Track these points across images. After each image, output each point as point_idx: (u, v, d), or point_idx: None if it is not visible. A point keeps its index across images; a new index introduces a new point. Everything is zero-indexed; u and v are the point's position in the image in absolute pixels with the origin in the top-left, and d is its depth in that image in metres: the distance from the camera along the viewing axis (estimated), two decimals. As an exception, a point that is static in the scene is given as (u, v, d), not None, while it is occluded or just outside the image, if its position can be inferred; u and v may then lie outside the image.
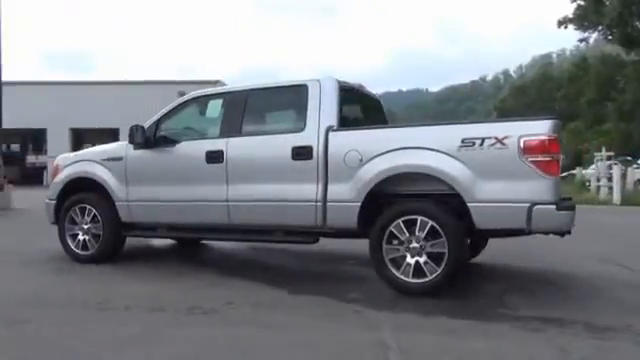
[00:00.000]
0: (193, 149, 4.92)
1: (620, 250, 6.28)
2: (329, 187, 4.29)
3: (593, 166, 18.72)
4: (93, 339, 3.15)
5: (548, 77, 53.82)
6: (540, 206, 3.70)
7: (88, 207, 5.38)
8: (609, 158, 17.08)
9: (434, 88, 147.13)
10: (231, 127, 4.79)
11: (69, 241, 5.47)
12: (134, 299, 3.99)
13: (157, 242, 6.72)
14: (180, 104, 5.21)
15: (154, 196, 5.04)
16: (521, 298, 4.02)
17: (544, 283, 4.60)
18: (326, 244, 5.09)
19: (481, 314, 3.56)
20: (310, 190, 4.33)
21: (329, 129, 4.34)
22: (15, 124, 26.02)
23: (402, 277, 4.00)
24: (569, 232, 4.05)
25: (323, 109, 4.41)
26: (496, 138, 3.81)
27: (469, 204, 3.85)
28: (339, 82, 4.62)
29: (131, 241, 5.82)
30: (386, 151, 4.11)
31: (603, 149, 17.54)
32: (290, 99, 4.78)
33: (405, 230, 4.00)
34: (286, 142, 4.45)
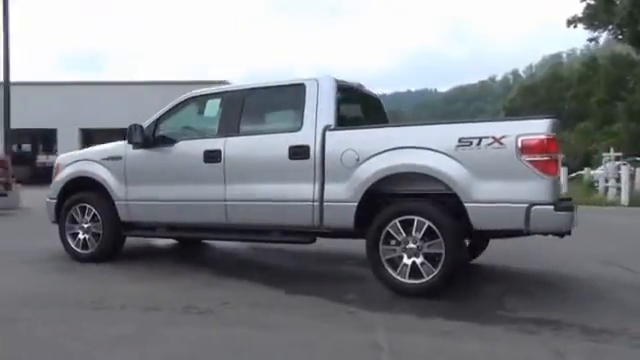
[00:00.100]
0: (191, 148, 4.92)
1: (625, 251, 6.19)
2: (326, 187, 4.27)
3: (602, 167, 18.54)
4: (87, 338, 3.15)
5: (558, 77, 53.40)
6: (538, 206, 3.65)
7: (88, 206, 5.40)
8: (617, 159, 16.91)
9: (443, 88, 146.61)
10: (229, 126, 4.79)
11: (69, 240, 5.50)
12: (130, 298, 3.99)
13: (157, 241, 6.74)
14: (179, 103, 5.22)
15: (152, 195, 5.05)
16: (519, 300, 3.97)
17: (544, 285, 4.55)
18: (324, 244, 5.08)
19: (478, 316, 3.52)
20: (307, 190, 4.31)
21: (326, 128, 4.32)
22: (26, 124, 26.38)
23: (399, 278, 3.97)
24: (569, 233, 4.00)
25: (320, 108, 4.39)
26: (494, 137, 3.76)
27: (466, 204, 3.81)
28: (337, 81, 4.60)
29: (131, 240, 5.84)
30: (383, 150, 4.08)
31: (611, 149, 17.37)
32: (288, 98, 4.76)
33: (402, 230, 3.96)
34: (283, 142, 4.43)
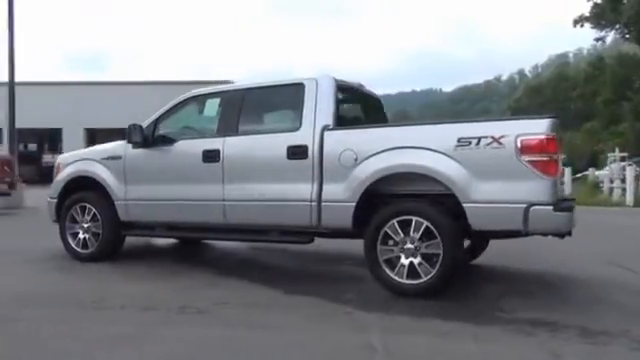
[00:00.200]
0: (190, 148, 4.91)
1: (628, 252, 6.15)
2: (324, 187, 4.26)
3: (607, 167, 18.42)
4: (84, 337, 3.14)
5: (564, 77, 53.07)
6: (537, 207, 3.62)
7: (88, 206, 5.41)
8: (623, 159, 16.80)
9: (448, 88, 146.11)
10: (228, 126, 4.78)
11: (70, 239, 5.51)
12: (129, 298, 3.99)
13: (157, 241, 6.75)
14: (178, 103, 5.22)
15: (151, 195, 5.06)
16: (518, 300, 3.94)
17: (544, 285, 4.52)
18: (324, 244, 5.06)
19: (475, 316, 3.49)
20: (305, 190, 4.30)
21: (324, 128, 4.31)
22: (32, 124, 26.56)
23: (396, 278, 3.95)
24: (569, 234, 3.97)
25: (319, 108, 4.37)
26: (493, 137, 3.73)
27: (464, 204, 3.78)
28: (336, 81, 4.58)
29: (131, 240, 5.85)
30: (381, 150, 4.06)
31: (616, 150, 17.26)
32: (287, 98, 4.75)
33: (400, 231, 3.94)
34: (281, 141, 4.42)
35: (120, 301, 3.90)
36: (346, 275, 4.93)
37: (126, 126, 5.12)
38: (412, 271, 3.90)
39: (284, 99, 4.83)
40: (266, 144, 4.57)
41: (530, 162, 3.63)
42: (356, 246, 4.47)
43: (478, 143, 3.76)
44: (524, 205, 3.63)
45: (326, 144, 4.27)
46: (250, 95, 4.87)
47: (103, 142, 5.79)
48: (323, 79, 4.51)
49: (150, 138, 5.08)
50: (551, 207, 3.61)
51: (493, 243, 5.00)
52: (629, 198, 14.09)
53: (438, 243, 3.82)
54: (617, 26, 30.56)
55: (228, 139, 4.70)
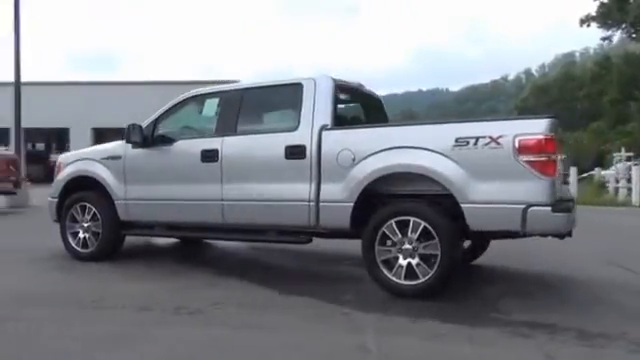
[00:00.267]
0: (189, 148, 4.91)
1: (631, 252, 6.10)
2: (322, 187, 4.24)
3: (613, 167, 18.30)
4: (84, 337, 3.14)
5: (570, 76, 52.75)
6: (535, 208, 3.58)
7: (88, 205, 5.42)
8: (629, 159, 16.68)
9: (454, 88, 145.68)
10: (226, 126, 4.78)
11: (70, 239, 5.53)
12: (127, 298, 3.99)
13: (158, 241, 6.76)
14: (178, 103, 5.22)
15: (151, 195, 5.06)
16: (517, 302, 3.91)
17: (544, 286, 4.48)
18: (325, 244, 5.05)
19: (473, 318, 3.46)
20: (303, 190, 4.28)
21: (322, 128, 4.29)
22: (40, 124, 26.74)
23: (394, 279, 3.93)
24: (569, 234, 3.94)
25: (317, 108, 4.36)
26: (490, 137, 3.70)
27: (462, 205, 3.76)
28: (335, 81, 4.57)
29: (131, 239, 5.86)
30: (379, 150, 4.04)
31: (622, 149, 17.14)
32: (285, 98, 4.73)
33: (398, 231, 3.92)
34: (280, 141, 4.40)
35: (119, 301, 3.91)
36: (345, 275, 4.91)
37: (131, 126, 5.12)
38: (410, 272, 3.88)
39: (283, 99, 4.81)
40: (264, 144, 4.55)
41: (528, 162, 3.60)
42: (356, 246, 4.44)
43: (476, 143, 3.74)
44: (522, 206, 3.60)
45: (324, 144, 4.25)
46: (249, 95, 4.86)
47: (109, 141, 5.80)
48: (321, 79, 4.49)
49: (149, 138, 5.08)
50: (549, 208, 3.58)
51: (494, 243, 4.97)
52: (635, 198, 13.99)
53: (436, 244, 3.79)
54: (623, 25, 30.33)
55: (226, 139, 4.70)
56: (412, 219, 3.88)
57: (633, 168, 14.85)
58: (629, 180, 15.10)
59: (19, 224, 9.90)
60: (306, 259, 5.70)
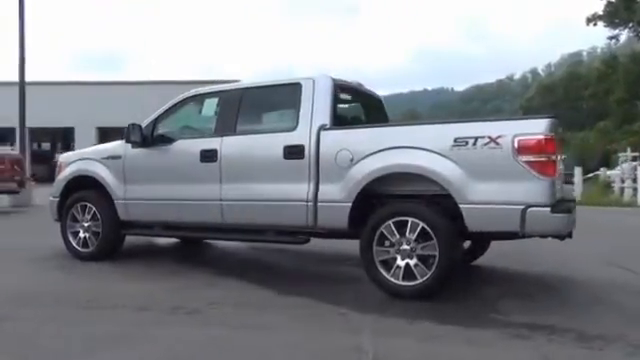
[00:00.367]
0: (188, 148, 4.91)
1: (634, 253, 6.04)
2: (320, 187, 4.22)
3: (619, 167, 18.18)
4: (82, 337, 3.14)
5: (576, 76, 52.45)
6: (534, 208, 3.55)
7: (88, 205, 5.44)
8: (635, 159, 16.56)
9: (460, 87, 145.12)
10: (225, 126, 4.77)
11: (71, 238, 5.54)
12: (126, 297, 4.00)
13: (158, 241, 6.77)
14: (177, 102, 5.22)
15: (150, 194, 5.06)
16: (517, 303, 3.88)
17: (544, 287, 4.45)
18: (327, 245, 5.02)
19: (471, 319, 3.43)
20: (301, 190, 4.27)
21: (321, 128, 4.27)
22: (46, 123, 26.86)
23: (392, 279, 3.91)
24: (569, 235, 3.91)
25: (316, 108, 4.34)
26: (489, 137, 3.67)
27: (461, 205, 3.73)
28: (334, 80, 4.55)
29: (132, 239, 5.87)
30: (377, 150, 4.01)
31: (628, 149, 17.02)
32: (284, 98, 4.72)
33: (396, 231, 3.90)
34: (278, 141, 4.39)
35: (118, 300, 3.92)
36: (344, 276, 4.89)
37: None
38: (408, 272, 3.85)
39: (282, 99, 4.80)
40: (263, 144, 4.54)
41: (527, 163, 3.57)
42: (356, 247, 4.41)
43: (475, 143, 3.71)
44: (521, 206, 3.56)
45: (322, 144, 4.23)
46: (248, 95, 4.85)
47: (114, 141, 5.79)
48: (320, 78, 4.48)
49: (149, 138, 5.08)
50: (549, 209, 3.54)
51: (494, 244, 4.94)
52: (640, 198, 13.89)
53: (434, 244, 3.77)
54: (630, 24, 30.18)
55: (225, 139, 4.69)
56: (410, 219, 3.86)
57: (638, 168, 14.75)
58: (635, 180, 15.00)
59: (21, 223, 9.95)
60: (306, 259, 5.69)
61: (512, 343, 3.01)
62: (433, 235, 3.77)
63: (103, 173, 5.34)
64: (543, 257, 5.49)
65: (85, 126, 28.94)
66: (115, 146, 5.43)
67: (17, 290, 4.30)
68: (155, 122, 5.15)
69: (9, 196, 12.65)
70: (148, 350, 2.94)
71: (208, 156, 4.70)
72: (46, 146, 34.05)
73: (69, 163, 5.76)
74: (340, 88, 4.68)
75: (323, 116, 4.33)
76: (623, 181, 16.01)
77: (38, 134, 30.05)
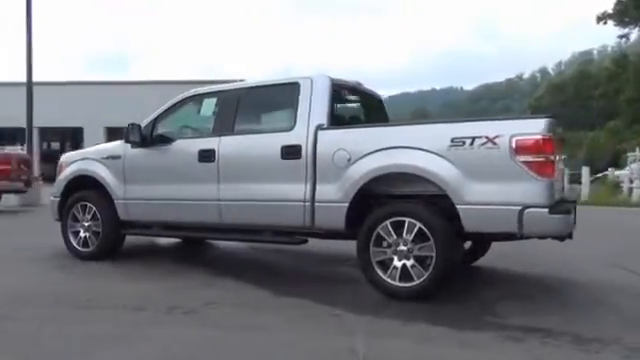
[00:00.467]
0: (187, 147, 4.91)
1: (635, 254, 5.97)
2: (317, 187, 4.21)
3: (627, 167, 17.99)
4: (81, 337, 3.15)
5: (586, 75, 52.00)
6: (532, 209, 3.51)
7: (89, 205, 5.46)
8: (643, 159, 16.38)
9: (469, 86, 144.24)
10: (224, 126, 4.77)
11: (71, 238, 5.57)
12: (125, 297, 4.00)
13: (159, 240, 6.78)
14: (177, 102, 5.22)
15: (149, 195, 5.07)
16: (516, 304, 3.84)
17: (544, 288, 4.41)
18: (327, 245, 5.00)
19: (467, 321, 3.39)
20: (299, 190, 4.25)
21: (318, 128, 4.26)
22: (55, 123, 27.10)
23: (389, 280, 3.88)
24: (570, 236, 3.86)
25: (314, 107, 4.32)
26: (487, 137, 3.64)
27: (458, 206, 3.69)
28: (333, 80, 4.53)
29: (132, 239, 5.88)
30: (374, 150, 3.99)
31: (637, 149, 16.83)
32: (282, 97, 4.70)
33: (393, 232, 3.87)
34: (276, 141, 4.38)
35: (118, 300, 3.92)
36: (343, 277, 4.86)
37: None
38: (405, 273, 3.82)
39: (280, 98, 4.78)
40: (261, 144, 4.53)
41: (525, 163, 3.52)
42: (355, 247, 4.41)
43: (472, 143, 3.67)
44: (519, 207, 3.52)
45: (320, 144, 4.21)
46: (246, 94, 4.84)
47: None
48: (318, 78, 4.46)
49: (148, 137, 5.09)
50: (547, 210, 3.50)
51: (495, 245, 4.89)
52: (649, 199, 13.73)
53: (431, 245, 3.74)
54: (641, 23, 29.88)
55: (223, 139, 4.68)
56: (407, 220, 3.83)
57: (647, 168, 14.59)
58: (643, 180, 14.84)
59: (27, 223, 10.02)
60: (304, 260, 5.68)
61: (506, 345, 2.97)
62: (430, 236, 3.74)
63: (103, 173, 5.36)
64: (544, 258, 5.44)
65: (94, 126, 29.17)
66: (115, 146, 5.45)
67: (18, 290, 4.32)
68: (154, 122, 5.16)
69: (17, 195, 12.75)
70: (145, 350, 2.95)
71: (206, 156, 4.70)
72: (55, 146, 34.34)
73: (70, 163, 5.79)
74: (338, 88, 4.66)
75: (320, 116, 4.31)
76: (632, 181, 15.83)
77: (48, 134, 30.29)
